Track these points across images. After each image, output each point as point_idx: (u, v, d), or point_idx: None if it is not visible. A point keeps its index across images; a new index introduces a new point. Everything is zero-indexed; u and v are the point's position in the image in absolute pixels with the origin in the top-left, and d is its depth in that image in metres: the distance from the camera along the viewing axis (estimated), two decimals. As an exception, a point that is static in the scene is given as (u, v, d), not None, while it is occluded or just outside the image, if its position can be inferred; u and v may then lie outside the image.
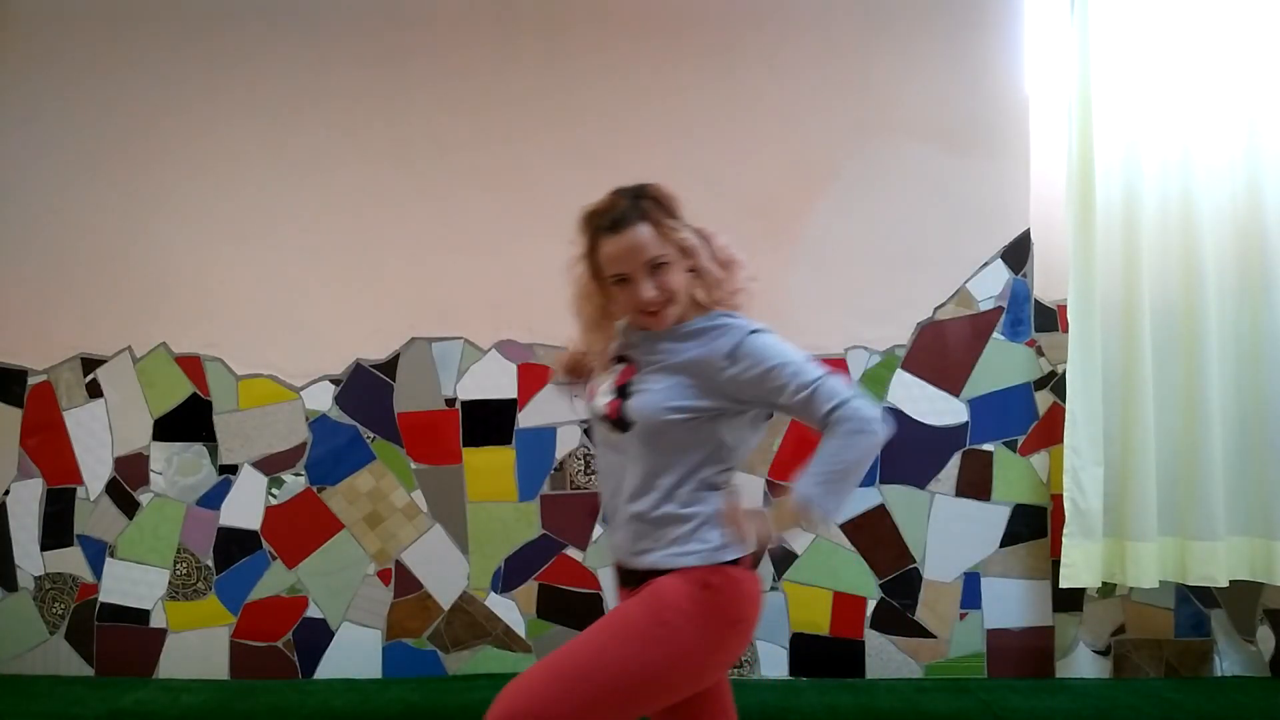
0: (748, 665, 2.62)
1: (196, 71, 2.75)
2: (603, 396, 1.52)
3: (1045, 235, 2.62)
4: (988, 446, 2.62)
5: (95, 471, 2.72)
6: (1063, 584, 2.47)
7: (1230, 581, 2.46)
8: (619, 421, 1.47)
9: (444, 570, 2.66)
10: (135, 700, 2.44)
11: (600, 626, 1.44)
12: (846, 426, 1.40)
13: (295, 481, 2.69)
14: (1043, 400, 2.62)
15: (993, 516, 2.61)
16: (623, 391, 1.49)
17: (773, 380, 1.43)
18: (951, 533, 2.60)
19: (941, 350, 2.63)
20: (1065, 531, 2.47)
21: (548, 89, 2.69)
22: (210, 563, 2.68)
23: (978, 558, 2.60)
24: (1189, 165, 2.48)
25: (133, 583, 2.69)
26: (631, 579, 1.48)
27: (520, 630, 2.65)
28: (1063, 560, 2.48)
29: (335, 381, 2.70)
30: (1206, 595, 2.58)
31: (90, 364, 2.73)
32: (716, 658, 1.44)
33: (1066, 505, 2.48)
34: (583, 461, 2.65)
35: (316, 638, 2.66)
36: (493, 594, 2.65)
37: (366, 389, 2.69)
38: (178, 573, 2.69)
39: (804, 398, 1.42)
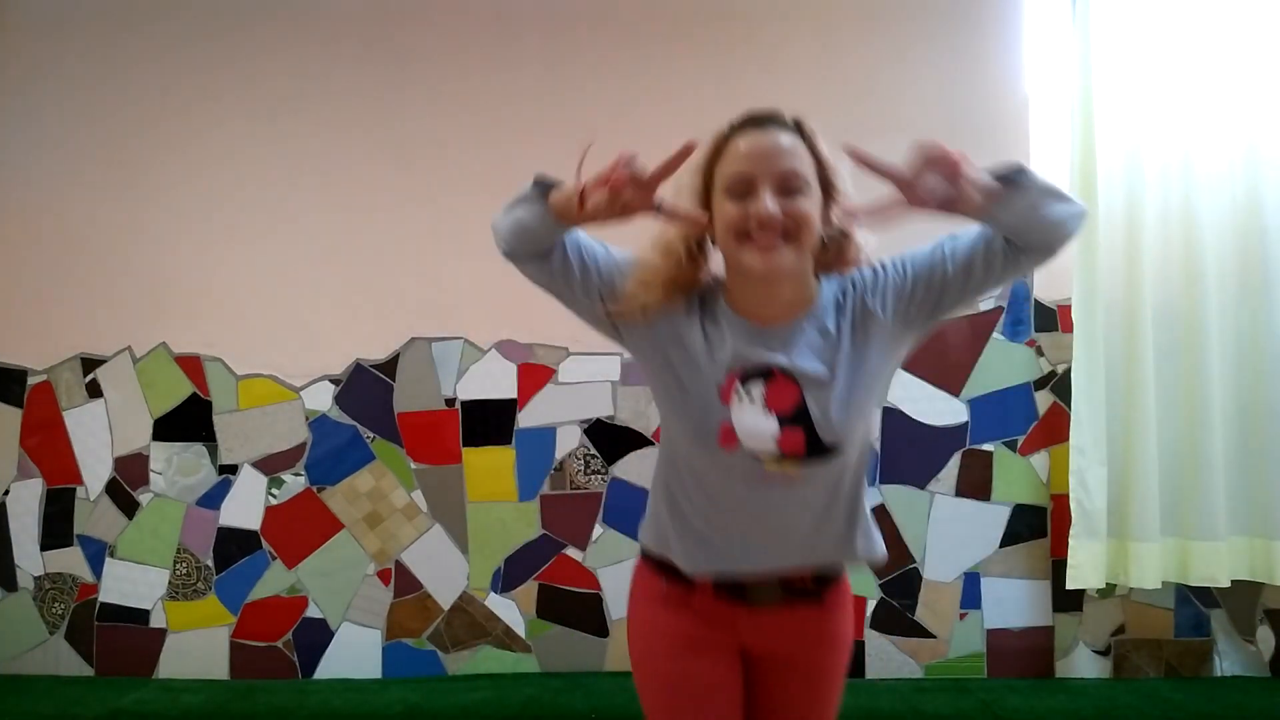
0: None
1: (196, 73, 2.75)
2: (759, 432, 1.20)
3: (1045, 235, 2.62)
4: (988, 446, 2.62)
5: (95, 471, 2.72)
6: (1070, 585, 2.47)
7: (1231, 582, 2.45)
8: (816, 451, 1.20)
9: (444, 570, 2.66)
10: (135, 700, 2.44)
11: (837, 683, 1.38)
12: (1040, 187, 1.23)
13: (295, 481, 2.69)
14: (1042, 400, 2.62)
15: (992, 516, 2.61)
16: (798, 415, 1.20)
17: (936, 247, 1.31)
18: (951, 533, 2.60)
19: (941, 350, 2.63)
20: (1071, 532, 2.47)
21: (547, 90, 2.69)
22: (210, 563, 2.68)
23: (977, 558, 2.60)
24: (1190, 168, 2.48)
25: (133, 583, 2.69)
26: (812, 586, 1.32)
27: (520, 630, 2.65)
28: (1069, 561, 2.47)
29: (335, 381, 2.70)
30: (1206, 595, 2.57)
31: (90, 364, 2.73)
32: None
33: (1073, 506, 2.47)
34: (582, 461, 2.65)
35: (316, 638, 2.66)
36: (492, 594, 2.65)
37: (366, 389, 2.69)
38: (177, 573, 2.69)
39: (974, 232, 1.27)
